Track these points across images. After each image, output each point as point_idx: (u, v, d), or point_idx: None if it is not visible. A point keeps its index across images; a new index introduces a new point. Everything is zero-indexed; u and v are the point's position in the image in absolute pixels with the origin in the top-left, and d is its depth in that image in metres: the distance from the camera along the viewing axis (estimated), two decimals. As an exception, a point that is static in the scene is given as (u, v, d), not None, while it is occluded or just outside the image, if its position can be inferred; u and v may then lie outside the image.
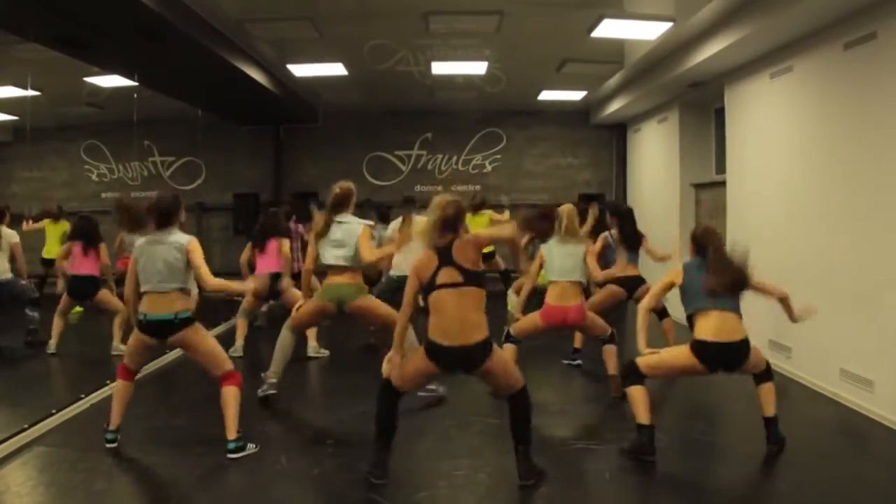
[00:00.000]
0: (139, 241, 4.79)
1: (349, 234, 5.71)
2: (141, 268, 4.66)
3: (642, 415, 4.59)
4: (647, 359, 4.68)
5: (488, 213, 9.96)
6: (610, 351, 6.16)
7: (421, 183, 13.40)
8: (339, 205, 5.82)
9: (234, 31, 7.98)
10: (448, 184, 13.03)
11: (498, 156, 13.62)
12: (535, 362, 6.76)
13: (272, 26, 7.97)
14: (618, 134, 13.41)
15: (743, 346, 4.51)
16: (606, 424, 5.41)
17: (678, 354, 4.65)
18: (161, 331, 4.65)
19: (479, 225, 9.36)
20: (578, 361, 7.26)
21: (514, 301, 8.97)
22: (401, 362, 4.22)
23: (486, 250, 9.59)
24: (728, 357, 4.51)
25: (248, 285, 6.65)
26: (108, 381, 6.14)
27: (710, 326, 4.48)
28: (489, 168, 13.56)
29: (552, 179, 13.21)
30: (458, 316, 4.00)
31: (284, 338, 5.97)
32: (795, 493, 4.09)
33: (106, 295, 7.68)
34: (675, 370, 4.72)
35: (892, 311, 5.28)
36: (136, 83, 9.04)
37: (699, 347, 4.50)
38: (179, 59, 7.96)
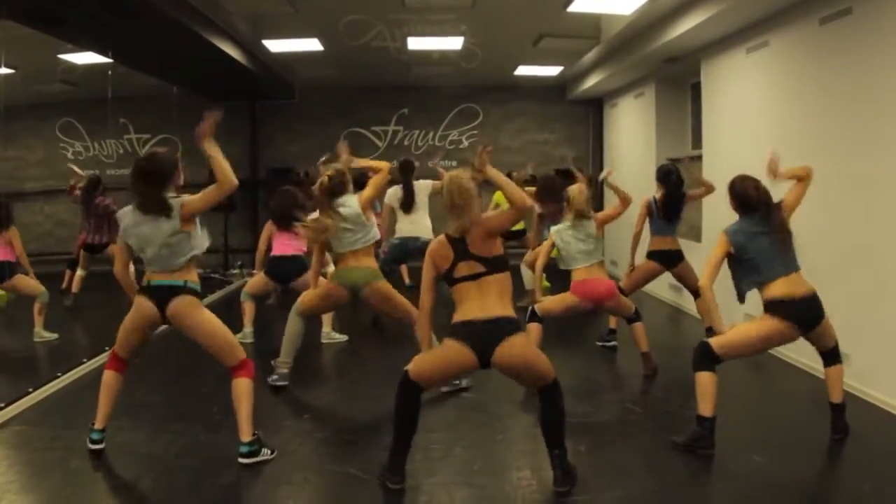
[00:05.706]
0: None
1: (355, 216, 5.43)
2: None
3: (707, 406, 4.27)
4: (719, 339, 4.32)
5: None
6: (640, 328, 6.02)
7: (397, 159, 13.30)
8: (336, 192, 5.45)
9: (209, 6, 7.87)
10: (425, 158, 13.02)
11: (474, 131, 13.60)
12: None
13: (247, 1, 7.90)
14: (594, 109, 13.44)
15: (817, 300, 4.31)
16: (578, 399, 5.41)
17: (755, 324, 4.34)
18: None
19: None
20: (614, 343, 6.87)
21: (528, 276, 8.42)
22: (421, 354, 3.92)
23: (517, 227, 9.21)
24: (810, 309, 4.28)
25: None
26: (84, 360, 6.13)
27: (782, 288, 4.25)
28: (466, 143, 13.48)
29: (529, 155, 13.12)
30: (482, 302, 3.78)
31: (294, 323, 5.68)
32: (769, 464, 4.14)
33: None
34: (756, 342, 4.32)
35: (866, 284, 5.35)
36: (110, 60, 8.95)
37: (780, 307, 4.23)
38: (153, 35, 7.87)
